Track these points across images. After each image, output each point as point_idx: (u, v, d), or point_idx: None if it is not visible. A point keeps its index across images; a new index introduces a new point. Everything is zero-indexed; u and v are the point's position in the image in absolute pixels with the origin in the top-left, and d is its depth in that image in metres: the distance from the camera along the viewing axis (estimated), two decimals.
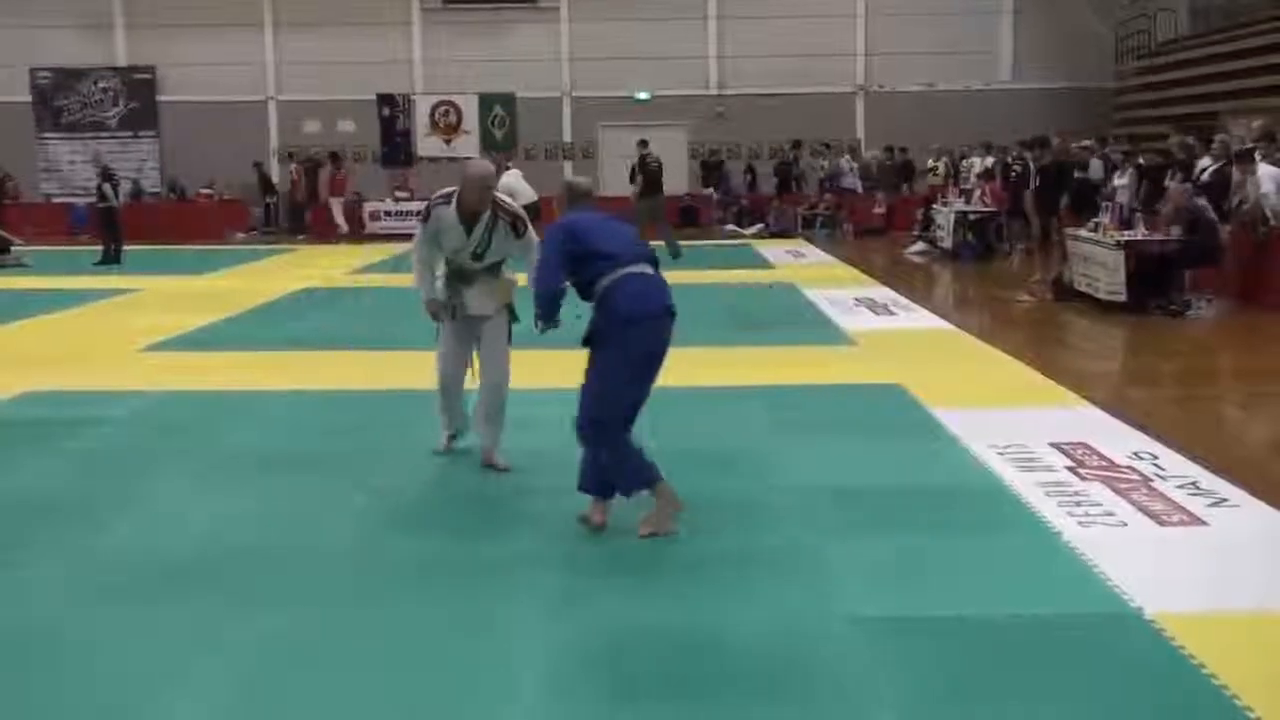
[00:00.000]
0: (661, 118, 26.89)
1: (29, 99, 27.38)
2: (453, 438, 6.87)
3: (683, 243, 20.31)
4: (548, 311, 5.46)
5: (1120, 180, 15.83)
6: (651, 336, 5.53)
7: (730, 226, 24.76)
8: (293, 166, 25.89)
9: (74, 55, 27.33)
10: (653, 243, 7.64)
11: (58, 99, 27.56)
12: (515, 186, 19.57)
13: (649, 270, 5.59)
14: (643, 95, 27.14)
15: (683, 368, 9.63)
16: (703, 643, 4.27)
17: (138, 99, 27.59)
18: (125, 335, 11.69)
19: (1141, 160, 16.19)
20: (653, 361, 5.56)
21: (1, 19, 27.04)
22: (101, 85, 27.61)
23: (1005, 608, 4.56)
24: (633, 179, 25.89)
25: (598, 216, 5.67)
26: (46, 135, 27.51)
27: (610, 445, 5.42)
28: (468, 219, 6.42)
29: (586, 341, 5.54)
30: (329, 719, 3.80)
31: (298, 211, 25.51)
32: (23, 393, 8.78)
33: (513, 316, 6.66)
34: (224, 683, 4.02)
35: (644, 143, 20.33)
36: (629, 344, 5.43)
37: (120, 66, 27.60)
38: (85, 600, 4.77)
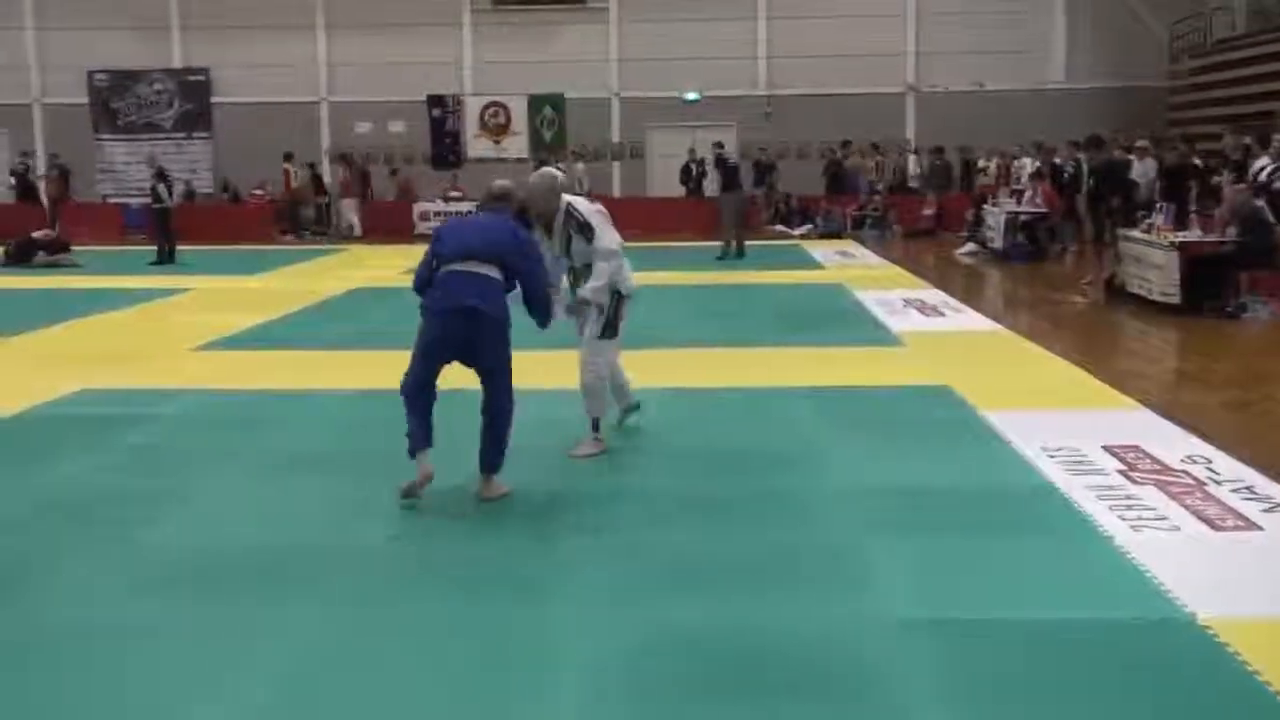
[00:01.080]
0: (710, 118, 26.86)
1: (86, 101, 27.74)
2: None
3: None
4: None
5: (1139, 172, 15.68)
6: (438, 327, 5.94)
7: (778, 227, 24.69)
8: (341, 170, 26.07)
9: (130, 57, 27.67)
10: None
11: (114, 101, 27.91)
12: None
13: (474, 269, 5.93)
14: (691, 95, 27.12)
15: (731, 367, 9.69)
16: (745, 643, 4.26)
17: (192, 101, 27.90)
18: (177, 335, 11.83)
19: (1164, 157, 16.01)
20: (438, 348, 5.98)
21: (60, 22, 27.43)
22: (157, 87, 27.93)
23: (1054, 611, 4.52)
24: (685, 179, 26.05)
25: (473, 219, 6.31)
26: (103, 136, 27.87)
27: (406, 408, 6.01)
28: (544, 227, 6.87)
29: None
30: (365, 718, 3.81)
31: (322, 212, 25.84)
32: (77, 391, 8.90)
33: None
34: (265, 680, 4.06)
35: (720, 144, 21.51)
36: (423, 329, 6.01)
37: (175, 68, 27.91)
38: (131, 596, 4.83)
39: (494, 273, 5.95)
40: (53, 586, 4.93)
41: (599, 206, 7.07)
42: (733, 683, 3.97)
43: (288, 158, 25.69)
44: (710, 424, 7.77)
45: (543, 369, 9.65)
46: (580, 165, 24.17)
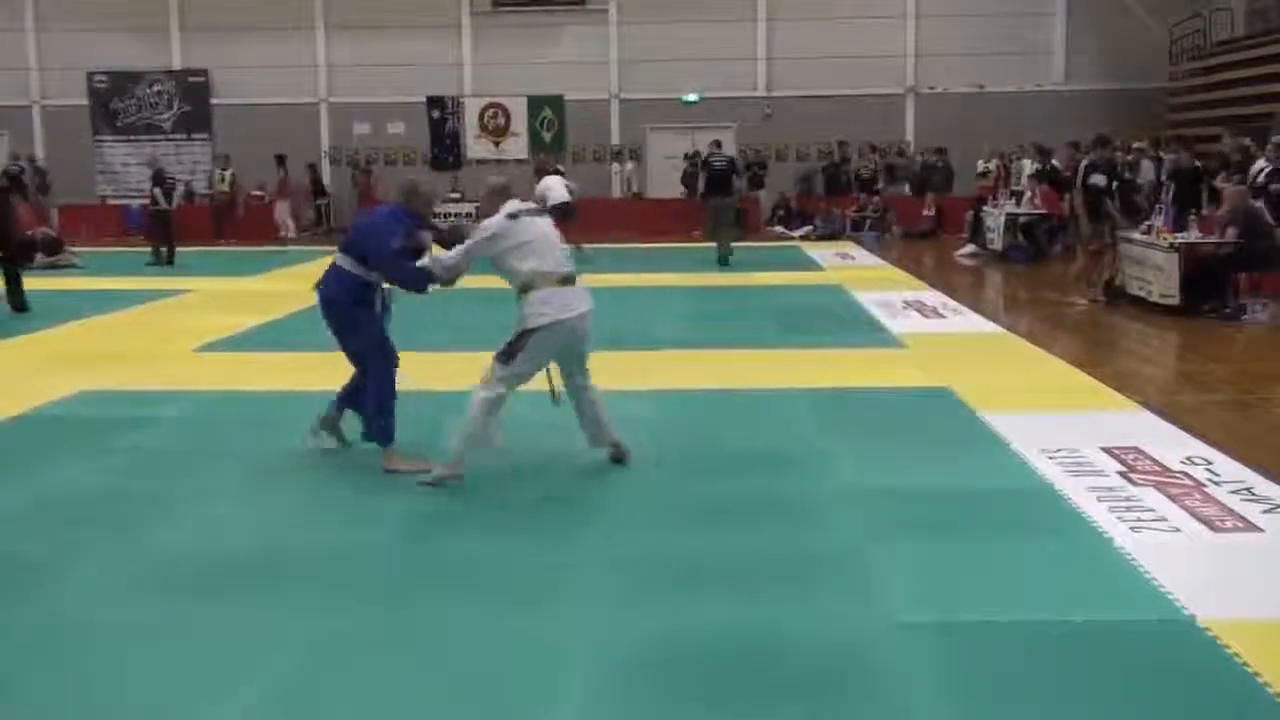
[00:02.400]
0: (709, 120, 26.85)
1: (86, 102, 27.74)
2: None
3: (737, 244, 20.28)
4: None
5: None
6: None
7: (778, 228, 24.70)
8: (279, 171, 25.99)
9: (130, 59, 27.66)
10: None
11: (114, 102, 27.90)
12: (553, 188, 19.70)
13: (337, 262, 6.65)
14: (691, 97, 27.12)
15: (731, 370, 9.70)
16: (747, 645, 4.27)
17: (191, 102, 27.89)
18: (178, 336, 11.83)
19: (1179, 158, 15.99)
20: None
21: (59, 23, 27.43)
22: (156, 88, 27.93)
23: (1054, 613, 4.52)
24: (685, 180, 26.05)
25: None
26: (103, 138, 27.86)
27: None
28: None
29: None
30: (369, 714, 3.81)
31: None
32: (77, 392, 8.91)
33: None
34: (265, 682, 4.06)
35: (717, 143, 20.32)
36: None
37: (175, 70, 27.91)
38: (132, 597, 4.83)
39: (345, 261, 6.63)
40: (54, 587, 4.93)
41: (535, 224, 6.45)
42: (734, 685, 3.98)
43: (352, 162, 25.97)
44: (710, 426, 7.77)
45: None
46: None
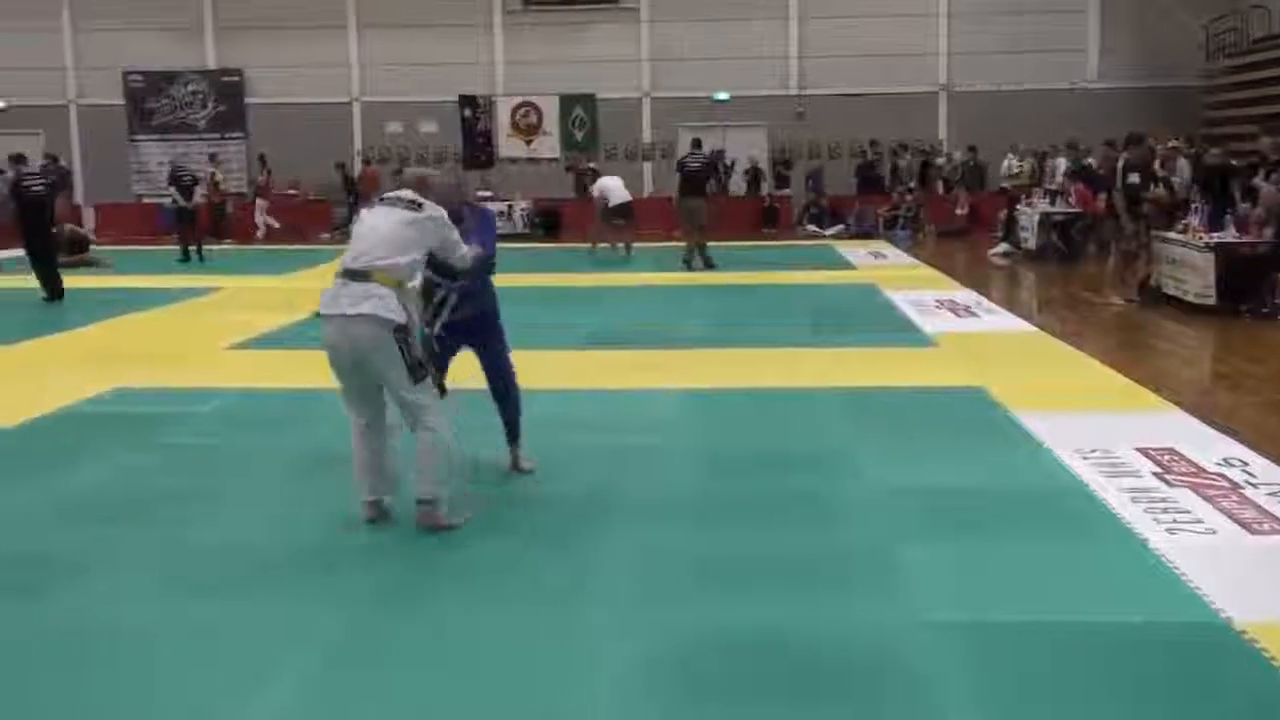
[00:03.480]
0: (741, 118, 26.82)
1: (121, 101, 27.95)
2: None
3: (763, 243, 20.25)
4: None
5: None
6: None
7: (810, 227, 24.64)
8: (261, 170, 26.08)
9: (165, 58, 27.86)
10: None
11: (149, 101, 28.10)
12: (611, 189, 19.72)
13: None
14: (722, 96, 27.07)
15: (761, 368, 9.67)
16: (776, 644, 4.25)
17: (226, 101, 28.05)
18: (211, 334, 11.90)
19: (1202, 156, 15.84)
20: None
21: (96, 22, 27.64)
22: (191, 88, 28.11)
23: (1087, 614, 4.48)
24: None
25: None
26: (138, 137, 28.06)
27: None
28: None
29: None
30: (399, 713, 3.81)
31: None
32: (112, 389, 8.97)
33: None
34: (295, 680, 4.07)
35: (696, 142, 19.29)
36: None
37: (209, 69, 28.08)
38: (164, 594, 4.85)
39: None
40: (86, 585, 4.96)
41: (370, 214, 5.78)
42: (762, 685, 3.96)
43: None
44: (739, 425, 7.75)
45: (571, 369, 9.68)
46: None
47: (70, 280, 15.63)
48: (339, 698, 3.94)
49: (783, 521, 5.66)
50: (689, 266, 17.64)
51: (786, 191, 26.11)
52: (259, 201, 25.22)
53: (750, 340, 11.07)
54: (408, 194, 5.63)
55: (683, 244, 18.19)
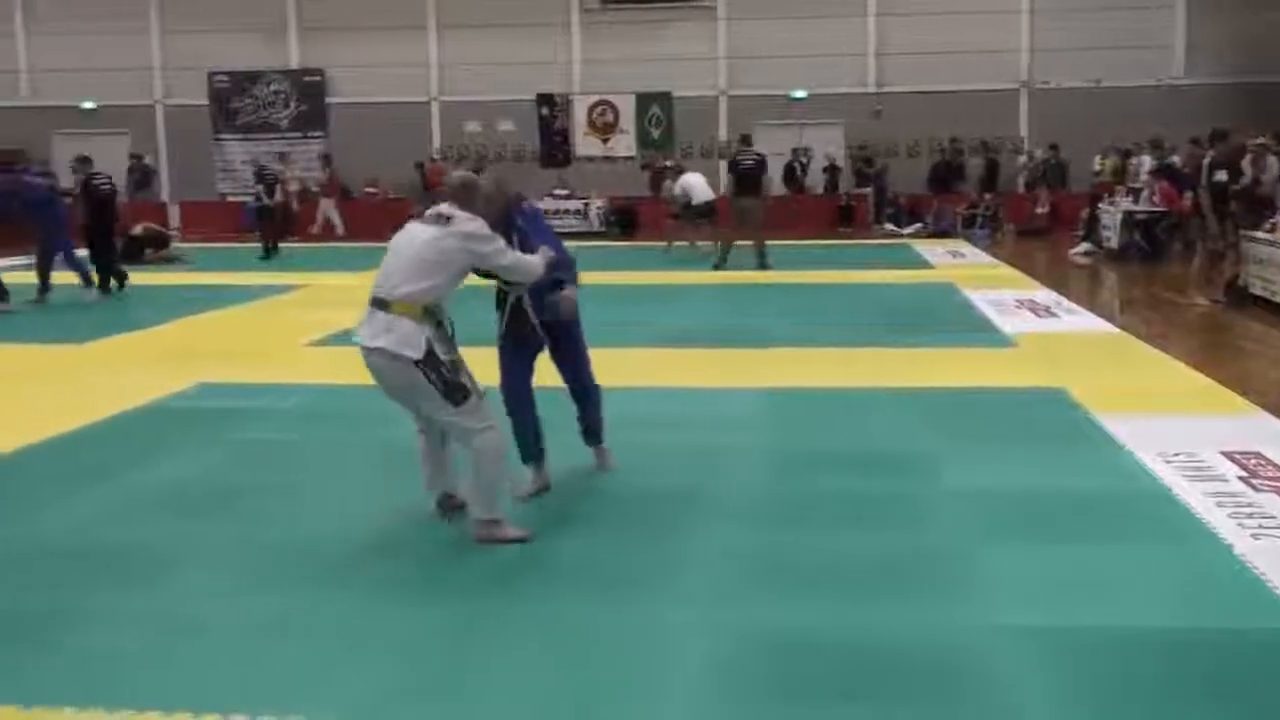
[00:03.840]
0: (818, 116, 26.69)
1: (206, 102, 28.44)
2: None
3: (840, 242, 20.10)
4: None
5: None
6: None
7: (888, 226, 24.45)
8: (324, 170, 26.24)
9: (249, 59, 28.30)
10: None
11: (233, 101, 28.57)
12: (695, 186, 19.67)
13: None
14: (799, 93, 26.96)
15: (837, 368, 9.62)
16: (852, 644, 4.23)
17: (308, 101, 28.43)
18: (291, 330, 12.07)
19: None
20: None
21: (183, 24, 28.15)
22: (274, 88, 28.53)
23: (1168, 620, 4.41)
24: (789, 177, 25.94)
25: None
26: (222, 136, 28.53)
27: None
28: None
29: None
30: (481, 713, 3.84)
31: None
32: (195, 385, 9.14)
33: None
34: (377, 675, 4.12)
35: (745, 139, 19.05)
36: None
37: (292, 69, 28.48)
38: (246, 589, 4.93)
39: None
40: (172, 578, 5.06)
41: (402, 233, 5.66)
42: (838, 686, 3.95)
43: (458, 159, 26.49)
44: (815, 425, 7.72)
45: (649, 367, 9.69)
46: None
47: (153, 277, 15.95)
48: (423, 690, 3.98)
49: (860, 523, 5.63)
50: (719, 267, 17.44)
51: (864, 190, 25.94)
52: (323, 200, 25.58)
53: (828, 340, 11.01)
54: (444, 207, 5.45)
55: (747, 244, 18.04)
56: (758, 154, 18.24)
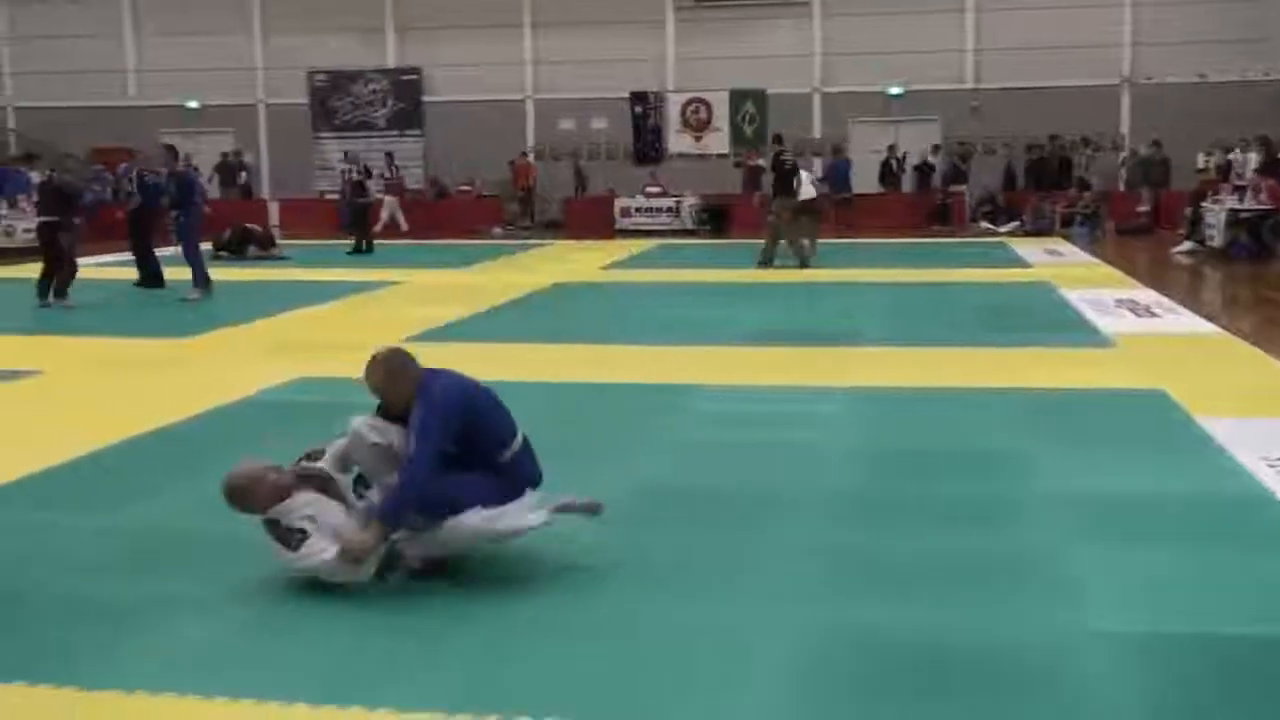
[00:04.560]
0: (914, 112, 26.47)
1: (306, 100, 28.95)
2: None
3: (935, 240, 19.88)
4: None
5: None
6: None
7: (984, 224, 24.15)
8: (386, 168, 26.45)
9: (347, 58, 28.77)
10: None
11: (332, 100, 29.05)
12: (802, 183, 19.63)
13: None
14: (895, 90, 26.74)
15: (929, 367, 9.53)
16: (939, 646, 4.19)
17: (404, 99, 28.82)
18: (389, 326, 12.23)
19: None
20: None
21: (284, 24, 28.72)
22: (371, 87, 28.97)
23: (1267, 628, 4.31)
24: (884, 175, 25.75)
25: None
26: (321, 134, 29.03)
27: None
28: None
29: None
30: (560, 709, 3.86)
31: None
32: (295, 379, 9.31)
33: None
34: (459, 669, 4.16)
35: (778, 138, 19.30)
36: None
37: (389, 68, 28.89)
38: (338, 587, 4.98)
39: None
40: (273, 569, 5.16)
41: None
42: (921, 688, 3.91)
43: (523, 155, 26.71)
44: (906, 424, 7.66)
45: (737, 365, 9.69)
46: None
47: (255, 273, 16.27)
48: (497, 683, 4.02)
49: (950, 523, 5.57)
50: (765, 266, 17.41)
51: (960, 187, 25.66)
52: (387, 198, 25.94)
53: (920, 339, 10.92)
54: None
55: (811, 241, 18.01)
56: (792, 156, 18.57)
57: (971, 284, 15.34)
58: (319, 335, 11.92)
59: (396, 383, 4.95)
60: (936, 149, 26.23)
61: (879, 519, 5.66)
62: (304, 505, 4.82)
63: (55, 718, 3.84)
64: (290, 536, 4.74)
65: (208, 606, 4.63)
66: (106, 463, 6.98)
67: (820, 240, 19.70)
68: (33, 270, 15.27)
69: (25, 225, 21.67)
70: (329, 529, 4.72)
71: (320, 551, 4.67)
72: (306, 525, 4.73)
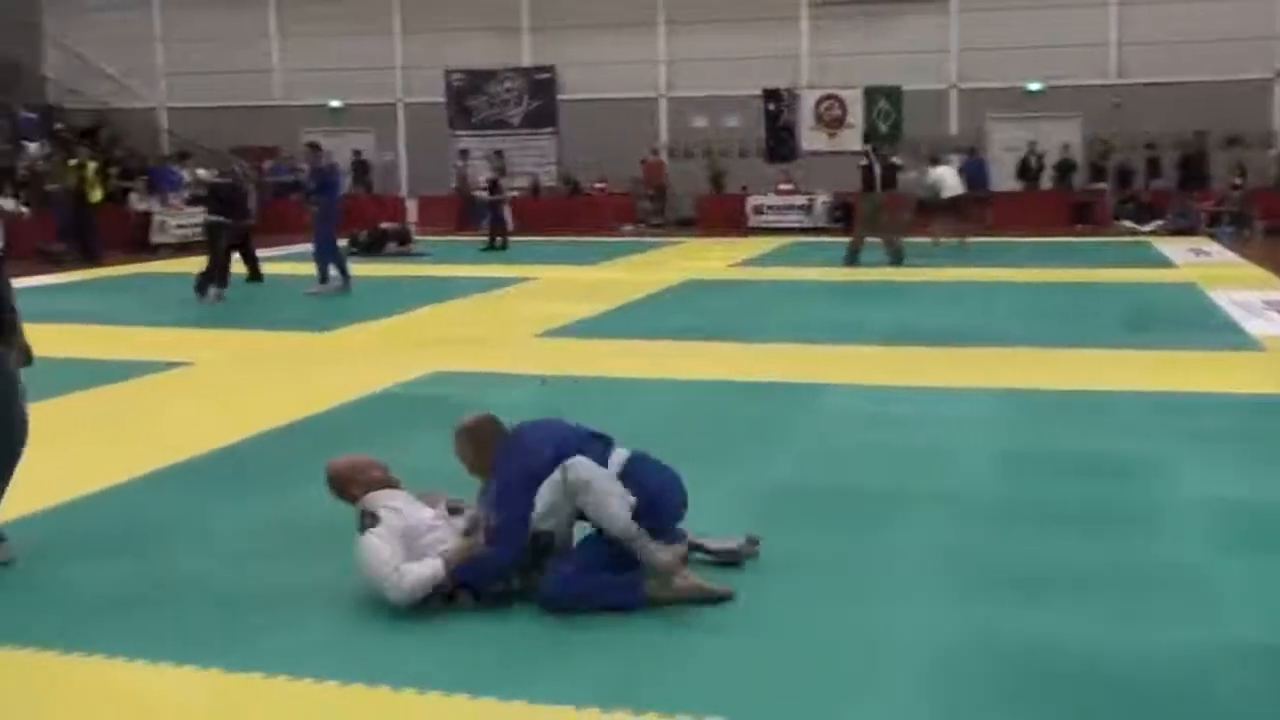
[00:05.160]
0: (1053, 109, 25.87)
1: (444, 99, 29.44)
2: None
3: (1075, 239, 19.44)
4: None
5: None
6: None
7: (1127, 223, 23.51)
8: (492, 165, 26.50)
9: (484, 57, 29.16)
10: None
11: (468, 99, 29.48)
12: (945, 178, 19.56)
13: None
14: (1034, 86, 26.17)
15: (1067, 369, 9.33)
16: (1073, 655, 4.09)
17: (539, 98, 29.12)
18: (522, 321, 12.41)
19: None
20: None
21: (421, 23, 29.23)
22: (507, 85, 29.32)
23: None
24: (1023, 172, 25.22)
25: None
26: (459, 133, 29.46)
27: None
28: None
29: None
30: (698, 708, 3.89)
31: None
32: (430, 372, 9.49)
33: None
34: (595, 666, 4.20)
35: (868, 137, 19.83)
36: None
37: (524, 67, 29.22)
38: None
39: None
40: None
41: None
42: (1050, 697, 3.82)
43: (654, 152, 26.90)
44: (1042, 427, 7.51)
45: (869, 364, 9.61)
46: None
47: (392, 269, 16.61)
48: (640, 683, 4.05)
49: (1086, 528, 5.44)
50: (854, 264, 17.48)
51: (1101, 185, 25.02)
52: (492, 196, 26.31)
53: (1058, 339, 10.69)
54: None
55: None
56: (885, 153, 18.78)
57: (1114, 284, 14.97)
58: (453, 330, 12.13)
59: (479, 450, 4.91)
60: (1103, 145, 25.51)
61: (1013, 522, 5.57)
62: (393, 498, 4.85)
63: (200, 699, 3.97)
64: (363, 520, 4.72)
65: (347, 595, 4.72)
66: (251, 451, 7.22)
67: (953, 239, 19.47)
68: (186, 265, 15.90)
69: (178, 222, 22.50)
70: (403, 528, 4.63)
71: (375, 551, 4.54)
72: (382, 513, 4.70)
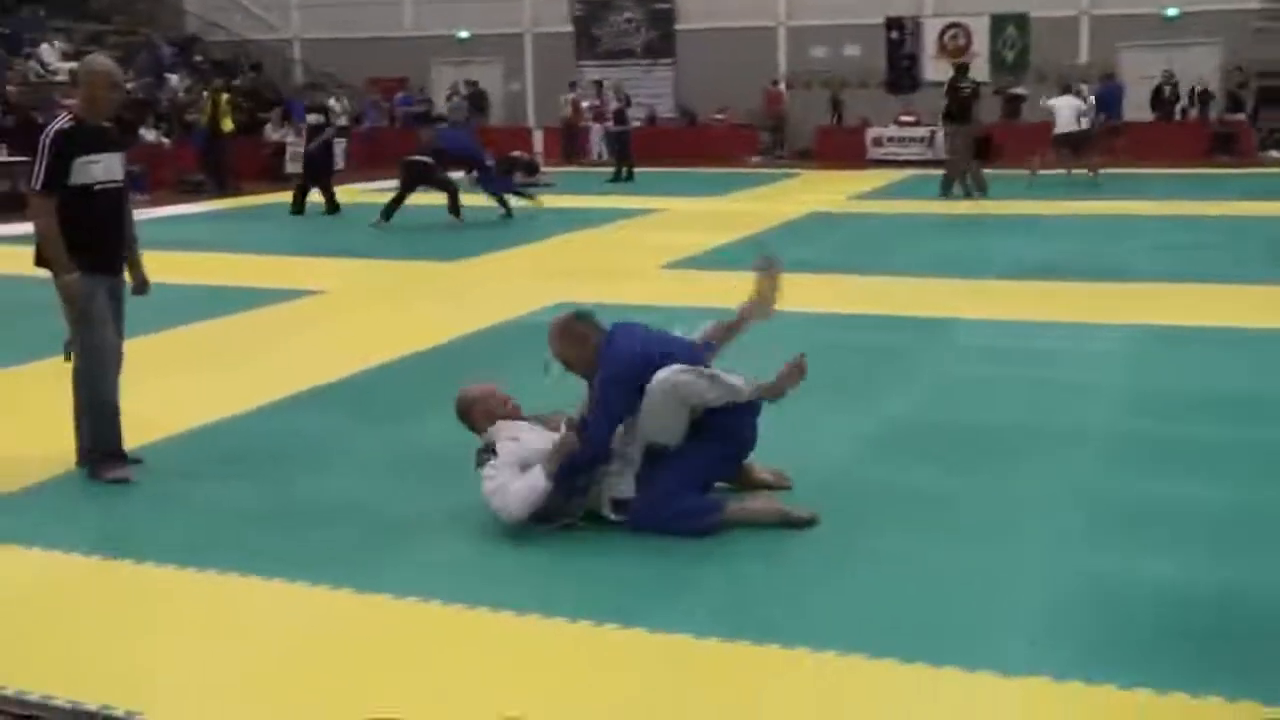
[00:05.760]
0: (1191, 35, 24.93)
1: (570, 29, 29.38)
2: None
3: (1216, 171, 18.87)
4: None
5: None
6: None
7: (1274, 154, 22.62)
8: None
9: None
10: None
11: (593, 29, 29.39)
12: (1062, 110, 19.21)
13: None
14: (1172, 11, 25.22)
15: (1211, 304, 9.06)
16: (1206, 602, 3.98)
17: (658, 28, 28.91)
18: (647, 252, 12.45)
19: None
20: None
21: None
22: (627, 15, 29.16)
23: None
24: (1156, 103, 24.36)
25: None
26: (584, 63, 29.36)
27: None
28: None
29: None
30: (818, 643, 3.86)
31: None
32: (556, 303, 9.55)
33: None
34: (716, 592, 4.22)
35: (963, 66, 19.62)
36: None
37: None
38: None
39: None
40: None
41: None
42: (1181, 642, 3.71)
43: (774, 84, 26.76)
44: (1182, 365, 7.34)
45: (1001, 299, 9.45)
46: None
47: (517, 200, 16.71)
48: (755, 613, 4.07)
49: (1228, 471, 5.30)
50: (953, 195, 17.46)
51: (1239, 116, 24.08)
52: (594, 125, 26.04)
53: (1201, 275, 10.38)
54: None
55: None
56: (974, 81, 19.09)
57: (1258, 217, 14.47)
58: (581, 261, 12.22)
59: (577, 347, 4.98)
60: (1244, 73, 24.50)
61: (1149, 464, 5.47)
62: (514, 428, 4.92)
63: (333, 618, 4.07)
64: (481, 455, 4.83)
65: (475, 521, 4.78)
66: (381, 378, 7.40)
67: (1084, 170, 19.03)
68: (316, 196, 16.40)
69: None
70: (519, 457, 4.70)
71: (492, 478, 4.66)
72: (500, 445, 4.78)
